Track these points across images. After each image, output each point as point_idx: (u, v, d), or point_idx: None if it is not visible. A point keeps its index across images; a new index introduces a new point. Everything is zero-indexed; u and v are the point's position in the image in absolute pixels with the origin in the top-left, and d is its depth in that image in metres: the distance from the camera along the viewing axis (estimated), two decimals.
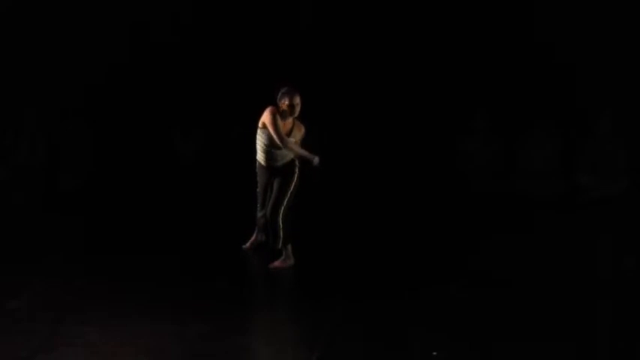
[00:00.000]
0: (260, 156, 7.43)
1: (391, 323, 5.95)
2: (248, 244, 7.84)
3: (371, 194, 10.23)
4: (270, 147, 7.31)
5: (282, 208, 7.34)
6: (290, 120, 7.34)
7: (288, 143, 7.24)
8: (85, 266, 7.49)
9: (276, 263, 7.38)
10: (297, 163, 7.39)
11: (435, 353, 5.23)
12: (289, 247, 7.39)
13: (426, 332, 5.73)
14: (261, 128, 7.31)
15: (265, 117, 7.24)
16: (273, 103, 7.29)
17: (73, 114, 11.21)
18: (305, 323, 6.07)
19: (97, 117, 11.23)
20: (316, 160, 7.31)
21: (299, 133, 7.39)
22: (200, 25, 11.25)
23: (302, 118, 7.40)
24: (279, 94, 7.29)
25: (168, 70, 11.19)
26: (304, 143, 7.47)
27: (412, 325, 5.92)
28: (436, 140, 10.92)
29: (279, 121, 7.21)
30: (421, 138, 10.88)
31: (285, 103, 7.26)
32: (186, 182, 10.81)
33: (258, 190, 7.59)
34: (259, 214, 7.59)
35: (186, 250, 8.06)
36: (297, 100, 7.26)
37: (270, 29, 11.01)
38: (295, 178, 7.38)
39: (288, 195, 7.35)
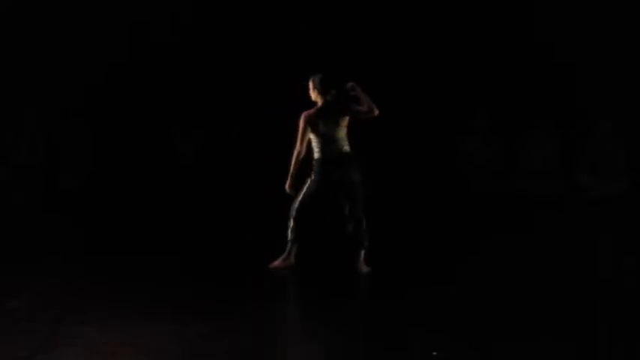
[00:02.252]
0: None
1: (391, 323, 5.95)
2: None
3: (371, 194, 10.21)
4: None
5: (296, 204, 7.22)
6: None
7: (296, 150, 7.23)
8: (85, 266, 7.50)
9: (276, 263, 7.36)
10: (314, 166, 7.28)
11: (435, 353, 5.23)
12: (294, 247, 7.34)
13: (426, 332, 5.73)
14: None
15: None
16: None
17: (73, 114, 11.21)
18: (306, 323, 6.07)
19: (97, 117, 11.23)
20: (288, 189, 7.22)
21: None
22: (200, 25, 11.24)
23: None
24: None
25: (168, 70, 11.19)
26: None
27: (412, 325, 5.92)
28: (436, 140, 10.92)
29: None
30: (421, 138, 10.88)
31: None
32: (186, 182, 10.80)
33: None
34: None
35: (186, 250, 8.06)
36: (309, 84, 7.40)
37: (270, 29, 11.01)
38: (309, 181, 7.28)
39: (302, 194, 7.26)
